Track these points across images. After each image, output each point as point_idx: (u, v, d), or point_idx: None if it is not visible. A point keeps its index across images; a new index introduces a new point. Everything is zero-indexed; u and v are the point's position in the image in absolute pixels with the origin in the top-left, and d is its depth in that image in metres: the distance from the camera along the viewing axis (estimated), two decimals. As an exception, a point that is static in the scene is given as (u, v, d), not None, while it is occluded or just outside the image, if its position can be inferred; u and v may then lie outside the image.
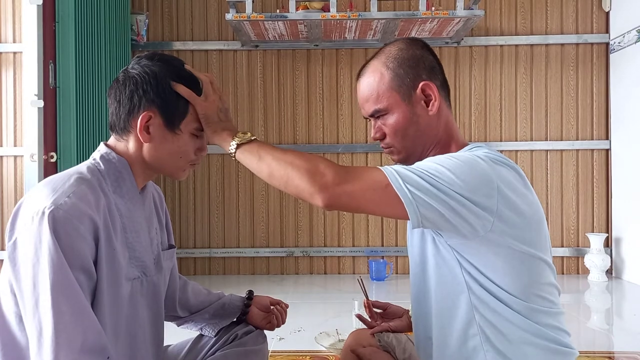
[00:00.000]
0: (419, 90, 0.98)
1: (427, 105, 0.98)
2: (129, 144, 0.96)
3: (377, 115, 1.00)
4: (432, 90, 0.98)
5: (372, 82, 1.00)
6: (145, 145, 0.95)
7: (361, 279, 1.42)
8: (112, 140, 0.99)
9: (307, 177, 0.87)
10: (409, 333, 1.25)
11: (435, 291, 0.95)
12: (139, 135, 0.94)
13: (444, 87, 1.02)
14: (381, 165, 1.03)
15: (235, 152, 0.96)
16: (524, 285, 0.89)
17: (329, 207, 0.88)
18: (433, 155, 0.99)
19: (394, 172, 0.86)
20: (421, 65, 0.99)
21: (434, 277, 0.94)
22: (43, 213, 0.80)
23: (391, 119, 0.99)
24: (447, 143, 1.01)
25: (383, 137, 1.02)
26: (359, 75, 1.04)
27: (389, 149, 1.03)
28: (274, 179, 0.92)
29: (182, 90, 0.95)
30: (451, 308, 0.92)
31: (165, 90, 0.94)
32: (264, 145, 0.95)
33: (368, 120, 1.04)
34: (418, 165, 0.89)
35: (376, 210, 0.88)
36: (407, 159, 1.02)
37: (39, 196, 0.84)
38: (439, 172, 0.85)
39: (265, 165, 0.92)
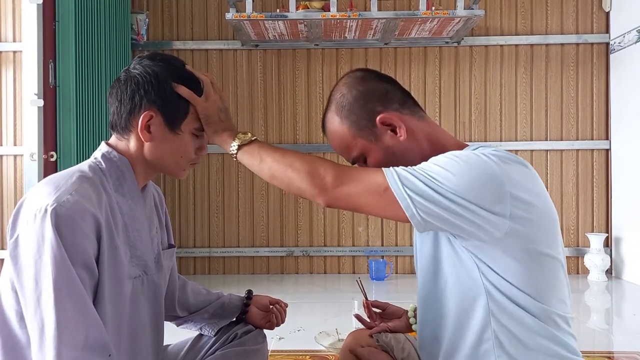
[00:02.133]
0: (379, 125, 0.96)
1: (396, 133, 0.96)
2: (130, 143, 0.96)
3: (357, 161, 1.01)
4: (392, 119, 0.96)
5: (336, 136, 1.00)
6: (146, 145, 0.95)
7: (360, 280, 1.42)
8: (113, 140, 0.99)
9: (307, 180, 0.88)
10: (408, 333, 1.25)
11: (451, 292, 0.92)
12: (140, 134, 0.94)
13: (406, 104, 0.99)
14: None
15: (236, 154, 0.97)
16: (543, 287, 0.87)
17: (330, 207, 0.90)
18: None
19: (394, 174, 0.85)
20: (370, 99, 0.97)
21: (450, 278, 0.92)
22: (45, 210, 0.80)
23: (371, 160, 0.99)
24: (440, 150, 0.96)
25: None
26: (323, 130, 1.05)
27: None
28: (275, 180, 0.93)
29: (183, 91, 0.95)
30: (467, 311, 0.90)
31: (167, 91, 0.94)
32: (264, 146, 0.96)
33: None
34: (422, 167, 0.86)
35: (376, 213, 0.88)
36: None
37: (41, 194, 0.84)
38: (441, 177, 0.82)
39: (267, 167, 0.94)
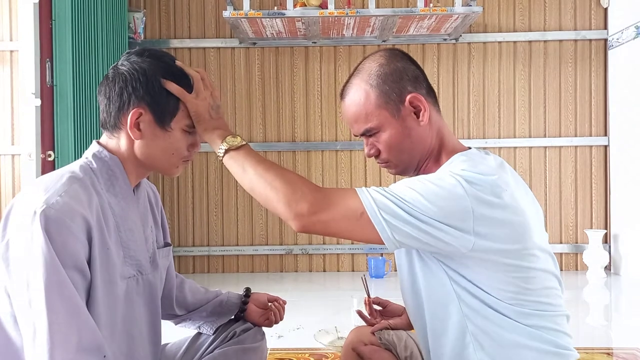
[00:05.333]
0: (406, 103, 0.97)
1: (418, 117, 0.98)
2: (121, 141, 0.96)
3: (368, 134, 1.00)
4: (420, 101, 0.97)
5: (357, 101, 0.99)
6: (137, 142, 0.95)
7: (365, 278, 1.42)
8: (104, 138, 0.98)
9: (283, 202, 0.88)
10: (409, 331, 1.25)
11: (427, 303, 0.95)
12: (129, 132, 0.93)
13: (430, 94, 1.01)
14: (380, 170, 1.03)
15: (222, 157, 0.96)
16: (512, 293, 0.89)
17: (304, 232, 0.90)
18: (427, 164, 1.01)
19: (370, 199, 0.87)
20: (405, 77, 0.98)
21: (424, 290, 0.95)
22: (35, 213, 0.79)
23: (384, 136, 0.98)
24: (439, 151, 1.00)
25: (378, 153, 1.01)
26: (342, 96, 1.03)
27: (385, 163, 1.03)
28: (254, 193, 0.94)
29: (172, 87, 0.94)
30: (443, 318, 0.93)
31: (155, 87, 0.93)
32: (249, 156, 0.95)
33: (359, 138, 1.04)
34: (394, 190, 0.89)
35: (351, 237, 0.90)
36: (405, 172, 1.03)
37: (30, 196, 0.83)
38: (413, 199, 0.86)
39: (247, 180, 0.93)
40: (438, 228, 0.85)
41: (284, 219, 0.90)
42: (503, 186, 0.89)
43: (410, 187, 0.87)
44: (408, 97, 0.97)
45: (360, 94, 0.99)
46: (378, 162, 1.04)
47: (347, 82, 1.02)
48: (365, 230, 0.87)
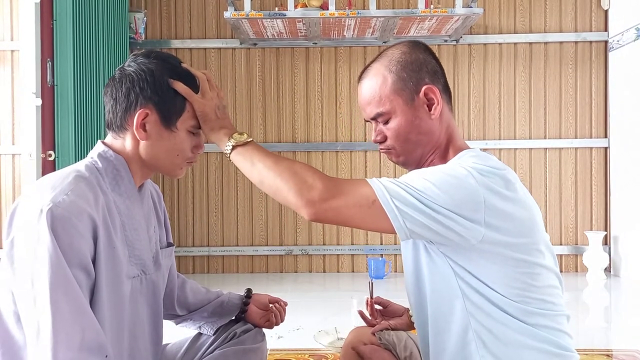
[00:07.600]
0: (421, 94, 0.98)
1: (430, 109, 0.98)
2: (126, 142, 0.96)
3: (378, 118, 1.00)
4: (435, 94, 0.98)
5: (374, 85, 1.00)
6: (142, 143, 0.95)
7: (372, 283, 1.41)
8: (109, 138, 0.99)
9: (294, 191, 0.88)
10: (410, 331, 1.26)
11: (431, 298, 0.95)
12: (135, 132, 0.94)
13: (446, 91, 1.02)
14: (380, 165, 1.04)
15: (230, 153, 0.97)
16: (519, 289, 0.90)
17: (315, 221, 0.90)
18: (432, 159, 1.01)
19: (382, 187, 0.87)
20: (424, 69, 0.99)
21: (428, 284, 0.95)
22: (41, 211, 0.80)
23: (393, 123, 0.99)
24: (446, 147, 1.01)
25: (384, 139, 1.02)
26: (360, 78, 1.04)
27: (388, 150, 1.03)
28: (264, 186, 0.94)
29: (180, 87, 0.95)
30: (446, 314, 0.93)
31: (162, 88, 0.94)
32: (257, 150, 0.96)
33: (369, 123, 1.04)
34: (405, 179, 0.89)
35: (362, 225, 0.90)
36: (407, 162, 1.03)
37: (37, 194, 0.83)
38: (425, 188, 0.86)
39: (257, 173, 0.94)
40: (449, 217, 0.85)
41: (295, 208, 0.89)
42: (513, 180, 0.91)
43: (422, 177, 0.88)
44: (424, 88, 0.98)
45: (378, 78, 1.00)
46: (381, 149, 1.04)
47: (368, 66, 1.03)
48: (377, 218, 0.87)
